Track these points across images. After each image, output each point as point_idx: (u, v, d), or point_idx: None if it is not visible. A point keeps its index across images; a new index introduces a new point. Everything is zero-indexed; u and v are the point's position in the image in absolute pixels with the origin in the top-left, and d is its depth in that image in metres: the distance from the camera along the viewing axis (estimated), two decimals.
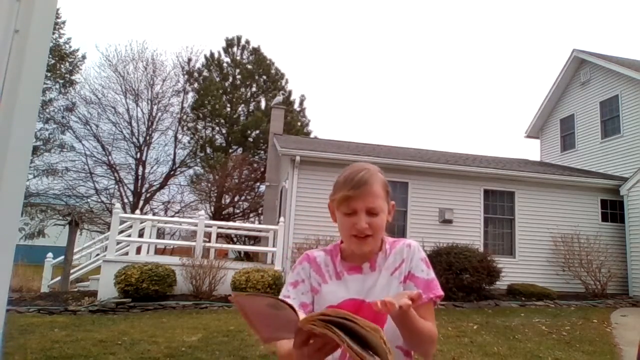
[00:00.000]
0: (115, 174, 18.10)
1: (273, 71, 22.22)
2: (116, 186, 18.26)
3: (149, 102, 18.89)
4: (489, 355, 4.91)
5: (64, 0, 19.96)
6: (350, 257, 1.19)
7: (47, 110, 17.34)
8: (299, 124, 21.12)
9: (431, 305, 1.13)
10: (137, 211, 14.71)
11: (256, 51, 22.18)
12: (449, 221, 9.95)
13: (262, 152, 19.48)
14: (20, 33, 1.11)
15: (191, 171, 20.40)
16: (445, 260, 8.58)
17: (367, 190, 1.09)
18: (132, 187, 18.45)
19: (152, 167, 19.07)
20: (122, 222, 9.65)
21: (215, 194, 18.61)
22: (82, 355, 4.41)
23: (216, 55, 21.62)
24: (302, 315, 1.04)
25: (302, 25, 54.00)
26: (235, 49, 22.05)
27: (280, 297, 1.11)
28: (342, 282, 1.15)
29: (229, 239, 17.22)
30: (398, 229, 9.84)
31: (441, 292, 1.13)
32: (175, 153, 19.63)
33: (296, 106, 22.57)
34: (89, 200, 17.57)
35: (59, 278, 9.39)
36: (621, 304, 9.05)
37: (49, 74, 16.59)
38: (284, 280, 8.25)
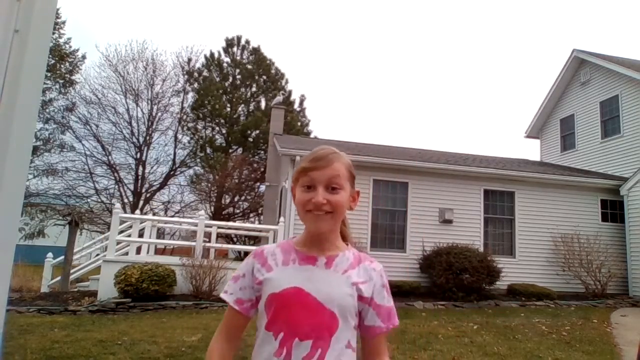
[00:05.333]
0: (115, 174, 18.10)
1: (273, 71, 22.22)
2: (116, 186, 18.26)
3: (149, 102, 18.90)
4: (489, 355, 4.90)
5: (64, 0, 19.94)
6: (307, 246, 1.11)
7: (47, 110, 17.34)
8: (299, 124, 21.10)
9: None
10: (137, 211, 14.72)
11: (256, 51, 22.17)
12: (449, 221, 9.94)
13: (262, 152, 19.48)
14: (20, 33, 1.11)
15: (191, 171, 20.43)
16: (445, 260, 8.59)
17: (328, 165, 1.06)
18: (132, 187, 18.45)
19: (152, 167, 19.09)
20: (122, 222, 9.65)
21: (215, 194, 18.61)
22: (82, 355, 4.41)
23: (216, 55, 21.62)
24: (236, 309, 1.09)
25: (302, 25, 54.01)
26: (235, 49, 22.04)
27: (222, 291, 1.14)
28: (290, 270, 1.06)
29: (229, 239, 17.22)
30: (398, 229, 9.84)
31: (397, 321, 1.11)
32: (175, 153, 19.65)
33: (296, 106, 22.56)
34: (89, 200, 17.58)
35: (59, 278, 9.39)
36: (621, 304, 9.05)
37: (49, 74, 16.59)
38: None
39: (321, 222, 1.04)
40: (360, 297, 1.05)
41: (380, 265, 1.14)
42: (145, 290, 7.18)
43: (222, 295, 1.13)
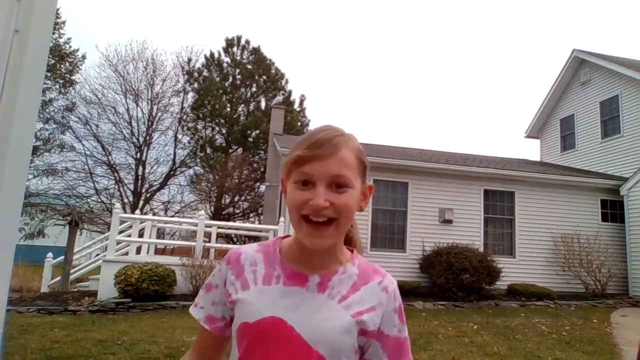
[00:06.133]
0: (115, 174, 18.11)
1: (273, 71, 22.22)
2: (116, 186, 18.27)
3: (149, 102, 18.91)
4: (489, 355, 4.90)
5: (64, 0, 19.94)
6: (296, 257, 0.84)
7: (47, 110, 17.34)
8: (299, 124, 21.10)
9: None
10: (137, 211, 14.71)
11: (256, 51, 22.17)
12: (449, 221, 9.94)
13: (262, 152, 19.48)
14: (20, 33, 1.11)
15: (191, 171, 20.44)
16: (445, 260, 8.59)
17: (333, 153, 0.77)
18: (132, 187, 18.45)
19: (152, 167, 19.09)
20: (122, 222, 9.65)
21: (215, 194, 18.62)
22: (82, 355, 4.41)
23: (216, 55, 21.62)
24: (207, 328, 0.87)
25: (302, 25, 54.00)
26: (235, 49, 22.05)
27: (192, 304, 0.92)
28: (271, 291, 0.81)
29: (229, 239, 17.22)
30: (398, 229, 9.84)
31: (410, 358, 0.85)
32: (175, 153, 19.66)
33: (296, 106, 22.57)
34: (89, 200, 17.58)
35: (59, 278, 9.39)
36: (621, 304, 9.05)
37: (49, 74, 16.58)
38: None
39: (321, 237, 0.77)
40: (363, 332, 0.79)
41: (394, 281, 0.88)
42: (145, 290, 7.18)
43: (191, 310, 0.91)
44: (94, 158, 18.00)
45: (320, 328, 0.77)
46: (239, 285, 0.84)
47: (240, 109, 21.66)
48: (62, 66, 18.08)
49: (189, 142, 20.42)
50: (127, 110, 18.51)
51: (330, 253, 0.83)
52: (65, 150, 17.75)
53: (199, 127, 20.61)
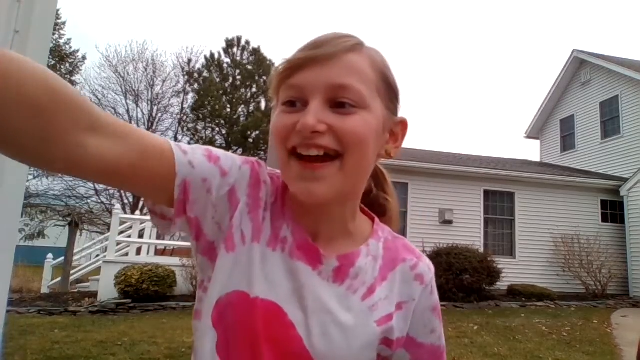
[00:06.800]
0: None
1: (273, 72, 22.23)
2: None
3: (149, 102, 18.94)
4: (489, 355, 4.90)
5: (64, 0, 19.96)
6: (303, 214, 0.58)
7: None
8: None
9: None
10: (137, 212, 14.69)
11: (256, 52, 22.18)
12: (449, 222, 9.94)
13: (262, 152, 19.49)
14: (21, 33, 1.11)
15: None
16: (446, 261, 8.58)
17: (335, 54, 0.52)
18: None
19: None
20: (122, 223, 9.64)
21: None
22: (82, 356, 4.40)
23: (216, 56, 21.63)
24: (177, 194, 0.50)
25: (302, 25, 54.01)
26: (235, 49, 22.05)
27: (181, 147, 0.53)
28: (274, 262, 0.55)
29: None
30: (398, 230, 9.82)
31: None
32: None
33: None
34: (88, 201, 17.57)
35: (59, 279, 9.38)
36: (622, 305, 9.03)
37: None
38: None
39: (316, 182, 0.51)
40: (387, 342, 0.57)
41: (432, 267, 0.64)
42: (145, 291, 7.17)
43: (174, 146, 0.51)
44: None
45: (333, 339, 0.53)
46: (249, 228, 0.54)
47: (240, 109, 21.66)
48: (63, 67, 18.09)
49: (189, 143, 20.27)
50: (127, 111, 18.55)
51: (344, 219, 0.58)
52: None
53: (199, 127, 20.62)
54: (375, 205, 0.67)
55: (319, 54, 0.51)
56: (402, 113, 0.63)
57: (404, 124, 0.61)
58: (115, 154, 0.44)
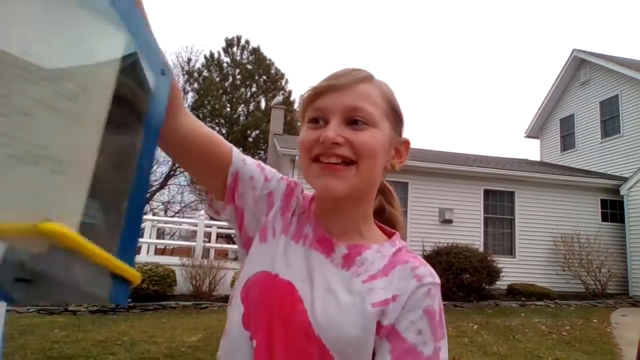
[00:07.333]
0: None
1: (273, 71, 22.23)
2: None
3: None
4: (489, 355, 4.90)
5: None
6: (325, 215, 0.70)
7: None
8: (298, 124, 21.06)
9: None
10: None
11: (256, 51, 22.18)
12: (449, 221, 9.94)
13: (262, 152, 19.48)
14: None
15: None
16: (445, 260, 8.58)
17: (351, 84, 0.65)
18: None
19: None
20: None
21: None
22: (82, 355, 4.41)
23: (216, 56, 21.63)
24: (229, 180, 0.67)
25: (302, 25, 53.99)
26: (235, 49, 22.06)
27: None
28: (295, 250, 0.67)
29: (229, 239, 17.20)
30: None
31: None
32: None
33: (296, 106, 22.56)
34: None
35: None
36: (621, 304, 9.04)
37: None
38: None
39: (334, 178, 0.62)
40: (378, 327, 0.61)
41: (435, 276, 0.66)
42: (145, 291, 7.18)
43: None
44: None
45: (331, 315, 0.60)
46: (280, 225, 0.69)
47: (240, 109, 21.67)
48: None
49: None
50: None
51: (351, 216, 0.68)
52: None
53: None
54: (389, 221, 0.78)
55: (337, 83, 0.65)
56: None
57: (407, 144, 0.74)
58: (198, 132, 0.61)
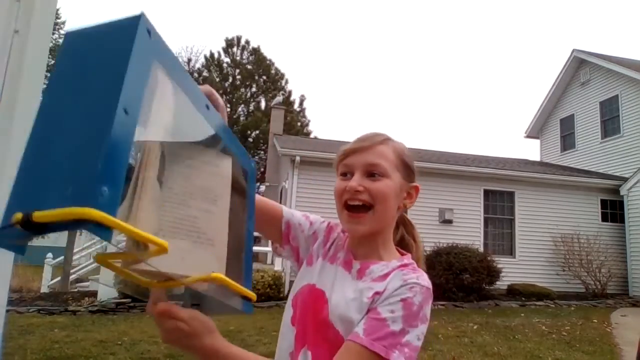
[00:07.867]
0: None
1: (273, 71, 22.24)
2: None
3: None
4: (489, 355, 4.91)
5: (63, 0, 19.93)
6: (353, 245, 0.92)
7: None
8: (299, 124, 21.13)
9: (352, 351, 0.73)
10: None
11: (256, 51, 22.19)
12: (449, 221, 9.94)
13: (262, 152, 19.51)
14: (20, 33, 1.11)
15: None
16: (445, 261, 8.58)
17: (371, 146, 0.87)
18: None
19: None
20: None
21: None
22: (82, 355, 4.41)
23: (216, 56, 21.65)
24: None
25: (302, 25, 53.98)
26: (235, 49, 22.07)
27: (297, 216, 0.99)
28: (329, 269, 0.90)
29: None
30: None
31: (381, 347, 0.72)
32: None
33: (296, 106, 22.59)
34: None
35: (58, 278, 9.38)
36: (621, 304, 9.05)
37: (49, 75, 16.58)
38: (284, 280, 8.24)
39: (358, 224, 0.84)
40: (367, 311, 0.79)
41: (422, 279, 0.82)
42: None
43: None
44: None
45: (340, 307, 0.82)
46: (318, 251, 0.95)
47: (240, 109, 21.68)
48: None
49: None
50: None
51: (371, 245, 0.89)
52: None
53: None
54: (407, 246, 0.96)
55: (361, 146, 0.88)
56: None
57: (416, 188, 0.92)
58: (263, 204, 0.93)
